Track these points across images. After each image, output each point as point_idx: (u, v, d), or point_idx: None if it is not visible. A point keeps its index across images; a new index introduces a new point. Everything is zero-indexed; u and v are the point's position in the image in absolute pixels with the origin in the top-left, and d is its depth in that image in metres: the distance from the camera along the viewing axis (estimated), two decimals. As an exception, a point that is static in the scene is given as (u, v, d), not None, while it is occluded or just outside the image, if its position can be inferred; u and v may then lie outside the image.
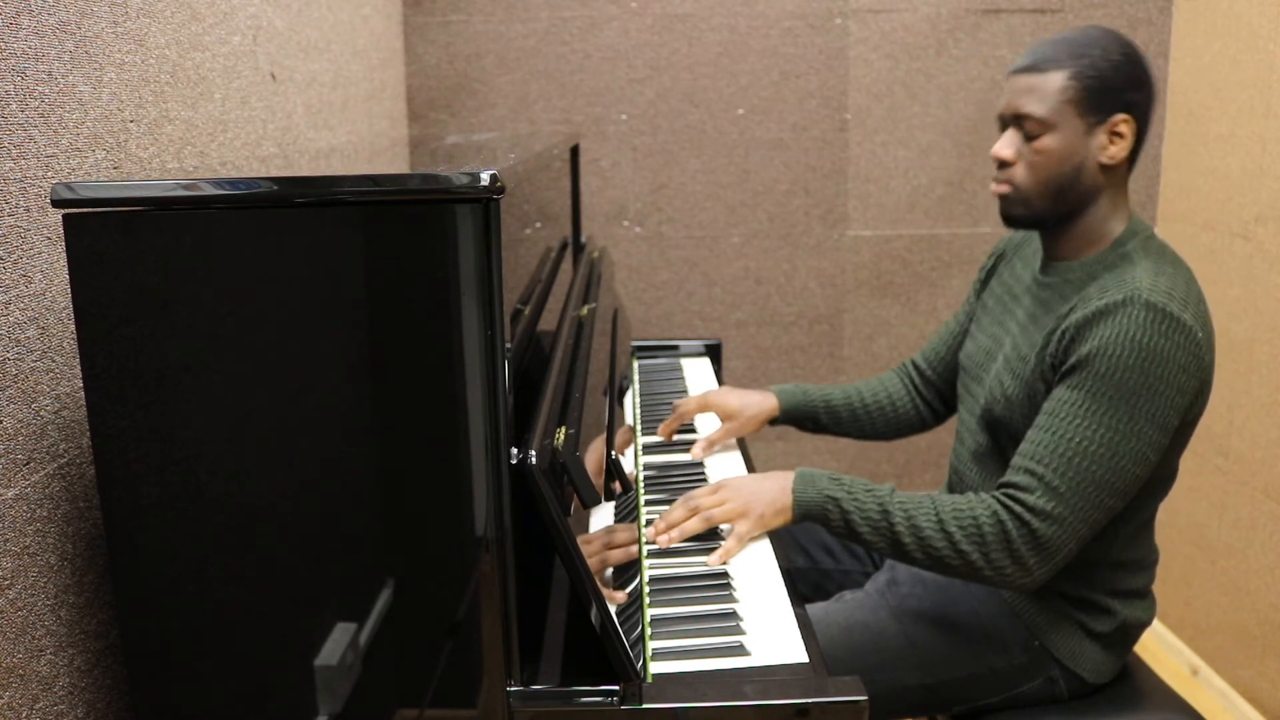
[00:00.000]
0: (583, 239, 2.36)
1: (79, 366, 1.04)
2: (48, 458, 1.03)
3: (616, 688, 1.00)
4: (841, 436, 1.78)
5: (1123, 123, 1.32)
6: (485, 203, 0.90)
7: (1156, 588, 1.45)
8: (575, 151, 2.29)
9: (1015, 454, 1.29)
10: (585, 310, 1.68)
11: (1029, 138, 1.34)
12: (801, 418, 1.75)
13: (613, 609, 1.13)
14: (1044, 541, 1.23)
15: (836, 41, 2.61)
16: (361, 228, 0.91)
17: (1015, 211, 1.39)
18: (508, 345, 0.94)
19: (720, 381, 2.10)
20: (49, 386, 1.04)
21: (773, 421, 1.75)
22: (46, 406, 1.03)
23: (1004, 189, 1.38)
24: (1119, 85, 1.31)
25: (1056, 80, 1.31)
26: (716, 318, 2.75)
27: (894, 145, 2.66)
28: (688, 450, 1.71)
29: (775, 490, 1.36)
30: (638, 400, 1.98)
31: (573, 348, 1.46)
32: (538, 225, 1.47)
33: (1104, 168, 1.34)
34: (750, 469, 1.66)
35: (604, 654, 1.02)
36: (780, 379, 2.78)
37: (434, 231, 0.91)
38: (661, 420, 1.83)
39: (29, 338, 1.00)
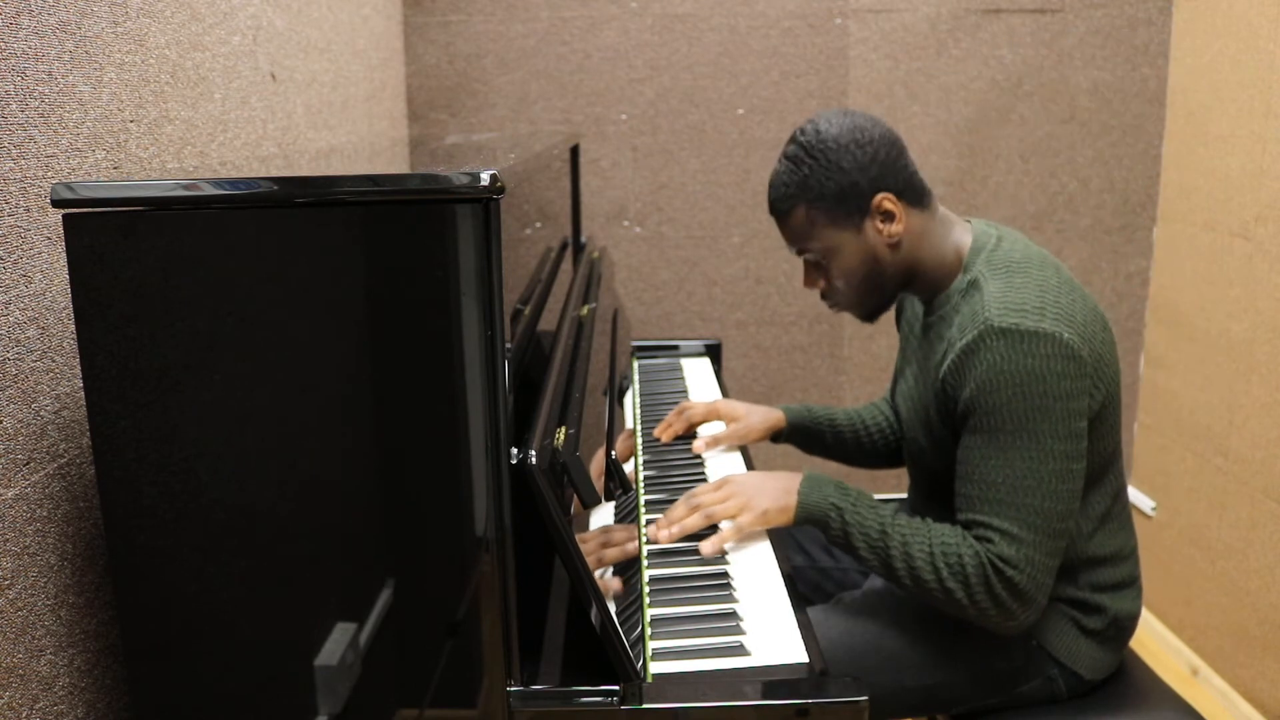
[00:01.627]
0: (583, 239, 2.36)
1: (79, 366, 1.04)
2: (48, 458, 1.03)
3: (616, 688, 1.00)
4: (844, 463, 1.78)
5: (883, 202, 1.32)
6: (485, 203, 0.90)
7: (1157, 588, 1.45)
8: (575, 151, 2.29)
9: (957, 509, 1.30)
10: (585, 310, 1.68)
11: (820, 265, 1.38)
12: (807, 435, 1.75)
13: (612, 608, 1.13)
14: (1021, 588, 1.23)
15: (836, 41, 2.61)
16: (361, 228, 0.91)
17: (860, 313, 1.43)
18: (508, 345, 0.94)
19: (720, 381, 2.10)
20: (49, 386, 1.04)
21: (776, 437, 1.75)
22: (46, 406, 1.03)
23: (836, 308, 1.43)
24: (849, 181, 1.31)
25: (799, 215, 1.34)
26: (716, 318, 2.75)
27: (894, 145, 2.66)
28: (688, 451, 1.71)
29: (780, 489, 1.36)
30: (638, 400, 1.98)
31: (573, 348, 1.46)
32: (538, 225, 1.47)
33: (896, 245, 1.35)
34: (750, 469, 1.66)
35: (604, 654, 1.02)
36: (780, 379, 2.78)
37: (434, 231, 0.91)
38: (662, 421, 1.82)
39: (29, 338, 1.01)
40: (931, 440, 1.38)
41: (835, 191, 1.31)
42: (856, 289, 1.38)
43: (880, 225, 1.33)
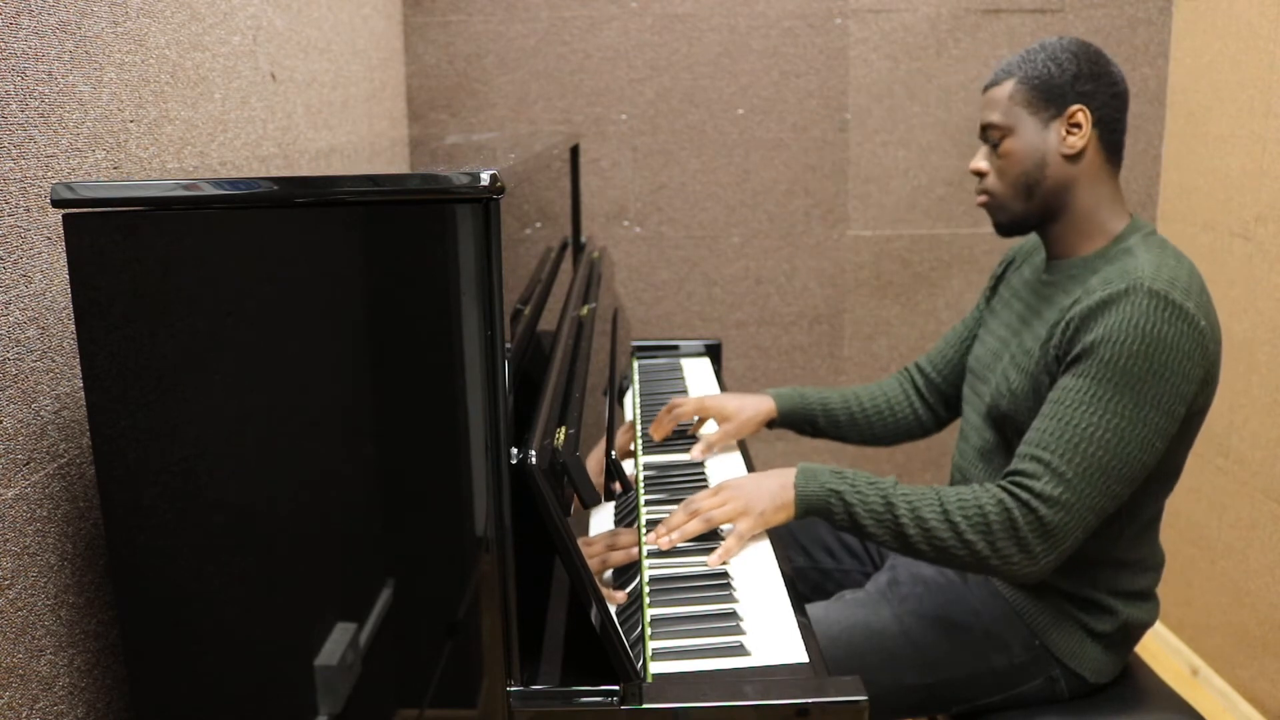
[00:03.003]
0: (583, 239, 2.36)
1: (79, 366, 1.04)
2: (48, 458, 1.03)
3: (616, 688, 1.00)
4: (839, 441, 1.78)
5: (1078, 113, 1.36)
6: (485, 203, 0.90)
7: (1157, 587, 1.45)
8: (575, 151, 2.29)
9: (1021, 443, 1.29)
10: (585, 310, 1.68)
11: (995, 146, 1.41)
12: (799, 421, 1.75)
13: (613, 609, 1.13)
14: (1051, 528, 1.23)
15: (836, 41, 2.61)
16: (361, 228, 0.91)
17: (999, 218, 1.45)
18: (508, 345, 0.94)
19: (720, 381, 2.10)
20: (49, 386, 1.04)
21: (770, 424, 1.75)
22: (46, 406, 1.03)
23: (982, 199, 1.46)
24: (1066, 80, 1.36)
25: (1007, 88, 1.39)
26: (716, 318, 2.75)
27: (894, 145, 2.66)
28: (687, 451, 1.71)
29: (776, 487, 1.36)
30: (638, 400, 1.98)
31: (573, 348, 1.46)
32: (538, 225, 1.47)
33: (1069, 159, 1.37)
34: (750, 469, 1.66)
35: (604, 654, 1.02)
36: (780, 379, 2.78)
37: (434, 231, 0.90)
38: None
39: (29, 338, 1.01)
40: (1026, 381, 1.37)
41: (1044, 80, 1.36)
42: (1012, 182, 1.41)
43: (1065, 133, 1.37)
